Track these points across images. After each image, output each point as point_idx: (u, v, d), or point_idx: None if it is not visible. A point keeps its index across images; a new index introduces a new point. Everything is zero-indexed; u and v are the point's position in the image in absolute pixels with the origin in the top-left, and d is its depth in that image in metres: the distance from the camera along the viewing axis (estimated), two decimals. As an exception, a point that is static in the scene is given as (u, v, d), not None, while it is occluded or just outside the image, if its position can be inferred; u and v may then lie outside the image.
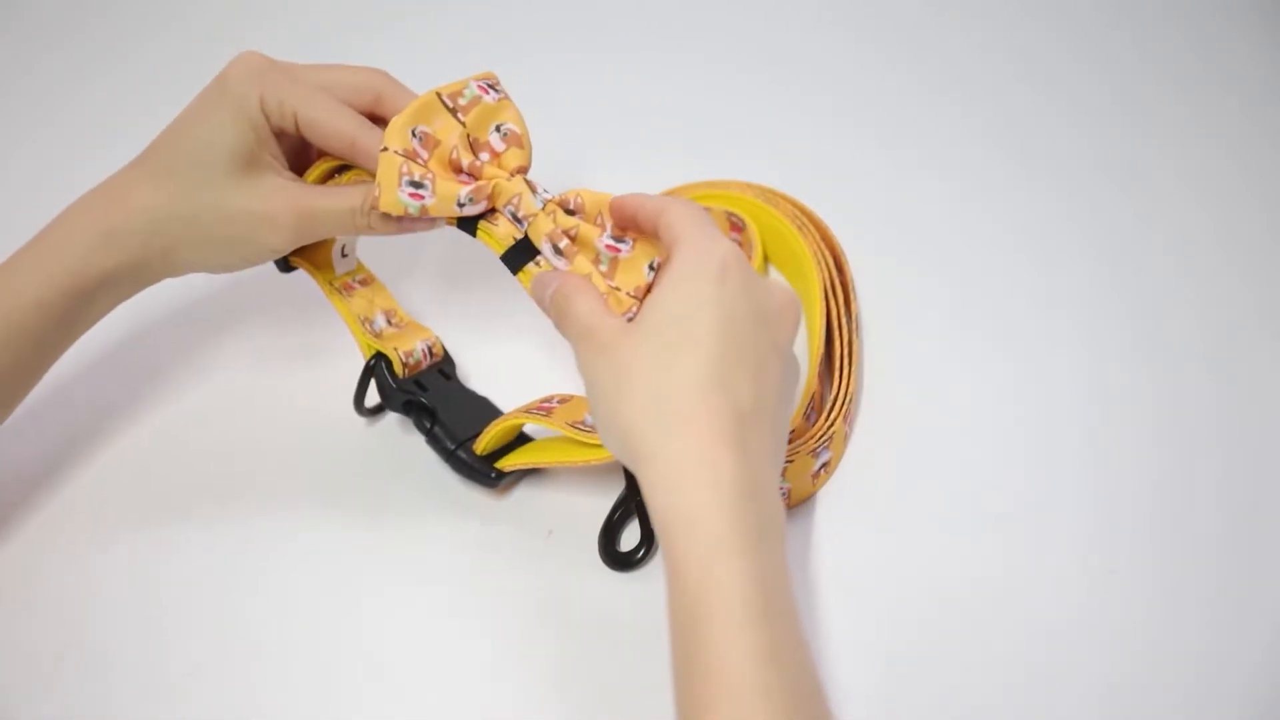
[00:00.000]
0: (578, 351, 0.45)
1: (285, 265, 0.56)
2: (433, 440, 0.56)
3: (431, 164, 0.49)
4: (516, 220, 0.49)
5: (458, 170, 0.49)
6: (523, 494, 0.56)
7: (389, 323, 0.58)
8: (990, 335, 0.61)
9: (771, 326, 0.44)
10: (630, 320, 0.45)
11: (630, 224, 0.47)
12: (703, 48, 0.80)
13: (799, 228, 0.62)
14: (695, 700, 0.38)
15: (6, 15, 0.85)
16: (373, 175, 0.49)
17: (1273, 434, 0.56)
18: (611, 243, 0.47)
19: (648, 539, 0.52)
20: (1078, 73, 0.76)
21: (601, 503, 0.53)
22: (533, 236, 0.48)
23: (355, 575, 0.53)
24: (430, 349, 0.58)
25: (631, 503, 0.53)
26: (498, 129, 0.50)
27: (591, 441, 0.51)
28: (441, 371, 0.58)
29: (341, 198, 0.51)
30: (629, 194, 0.47)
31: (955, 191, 0.69)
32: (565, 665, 0.50)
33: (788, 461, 0.51)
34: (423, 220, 0.50)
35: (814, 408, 0.55)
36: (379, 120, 0.51)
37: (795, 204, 0.65)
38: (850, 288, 0.61)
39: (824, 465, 0.54)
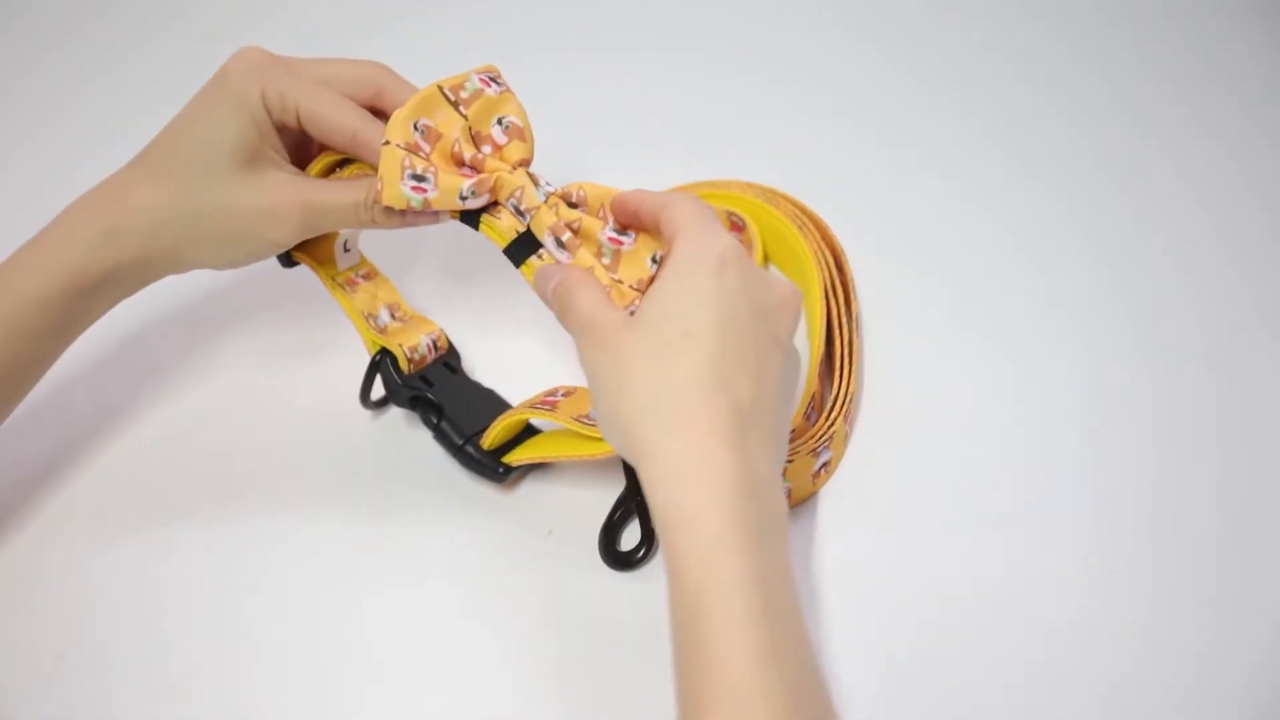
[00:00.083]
0: (579, 346, 0.45)
1: (288, 260, 0.56)
2: (440, 436, 0.56)
3: (433, 157, 0.49)
4: (519, 213, 0.49)
5: (460, 163, 0.49)
6: (523, 493, 0.56)
7: (393, 317, 0.58)
8: (990, 335, 0.61)
9: (772, 321, 0.44)
10: (632, 314, 0.45)
11: (633, 220, 0.47)
12: (703, 48, 0.80)
13: (799, 227, 0.62)
14: (695, 699, 0.38)
15: (6, 15, 0.85)
16: (375, 169, 0.49)
17: (1273, 434, 0.56)
18: (614, 235, 0.47)
19: (648, 539, 0.52)
20: (1078, 73, 0.76)
21: (602, 502, 0.53)
22: (535, 229, 0.48)
23: (355, 575, 0.53)
24: (435, 342, 0.58)
25: (632, 502, 0.53)
26: (499, 122, 0.50)
27: (597, 435, 0.51)
28: (447, 365, 0.58)
29: (345, 191, 0.51)
30: (631, 190, 0.47)
31: (955, 191, 0.69)
32: (565, 665, 0.49)
33: (788, 461, 0.51)
34: (425, 214, 0.50)
35: (814, 407, 0.55)
36: (380, 114, 0.51)
37: (795, 204, 0.65)
38: (850, 287, 0.61)
39: (824, 465, 0.54)
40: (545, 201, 0.48)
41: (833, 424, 0.54)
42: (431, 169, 0.48)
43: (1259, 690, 0.48)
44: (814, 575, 0.52)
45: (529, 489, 0.56)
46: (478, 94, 0.49)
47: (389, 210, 0.50)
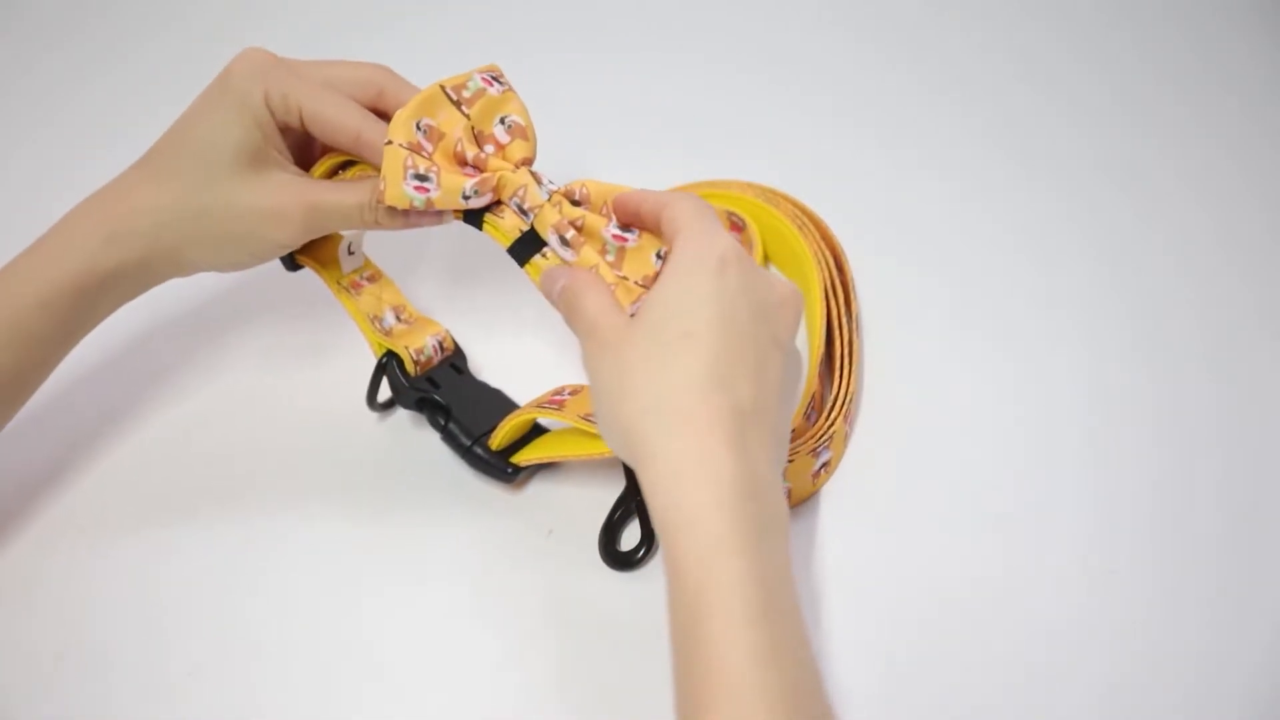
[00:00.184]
0: (583, 348, 0.45)
1: (292, 264, 0.56)
2: (448, 437, 0.56)
3: (436, 156, 0.49)
4: (522, 212, 0.49)
5: (462, 163, 0.49)
6: (523, 493, 0.56)
7: (398, 319, 0.58)
8: (990, 335, 0.61)
9: (772, 321, 0.44)
10: (633, 315, 0.45)
11: (634, 220, 0.47)
12: (703, 48, 0.80)
13: (799, 227, 0.62)
14: (695, 699, 0.38)
15: (6, 15, 0.85)
16: (378, 170, 0.49)
17: (1273, 434, 0.56)
18: (618, 233, 0.47)
19: (648, 539, 0.52)
20: (1078, 73, 0.76)
21: (602, 501, 0.53)
22: (539, 228, 0.48)
23: (355, 575, 0.53)
24: (441, 344, 0.58)
25: (632, 502, 0.53)
26: (502, 121, 0.50)
27: None
28: (453, 366, 0.58)
29: (349, 192, 0.51)
30: (631, 190, 0.48)
31: (955, 191, 0.69)
32: (565, 665, 0.49)
33: (788, 461, 0.51)
34: (429, 214, 0.50)
35: (814, 407, 0.55)
36: (382, 115, 0.51)
37: (795, 204, 0.65)
38: (850, 287, 0.61)
39: (824, 465, 0.54)
40: (549, 200, 0.48)
41: (833, 424, 0.54)
42: (434, 168, 0.48)
43: (1259, 690, 0.48)
44: (814, 575, 0.52)
45: (529, 489, 0.56)
46: (480, 93, 0.49)
47: (392, 210, 0.50)
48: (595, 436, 0.51)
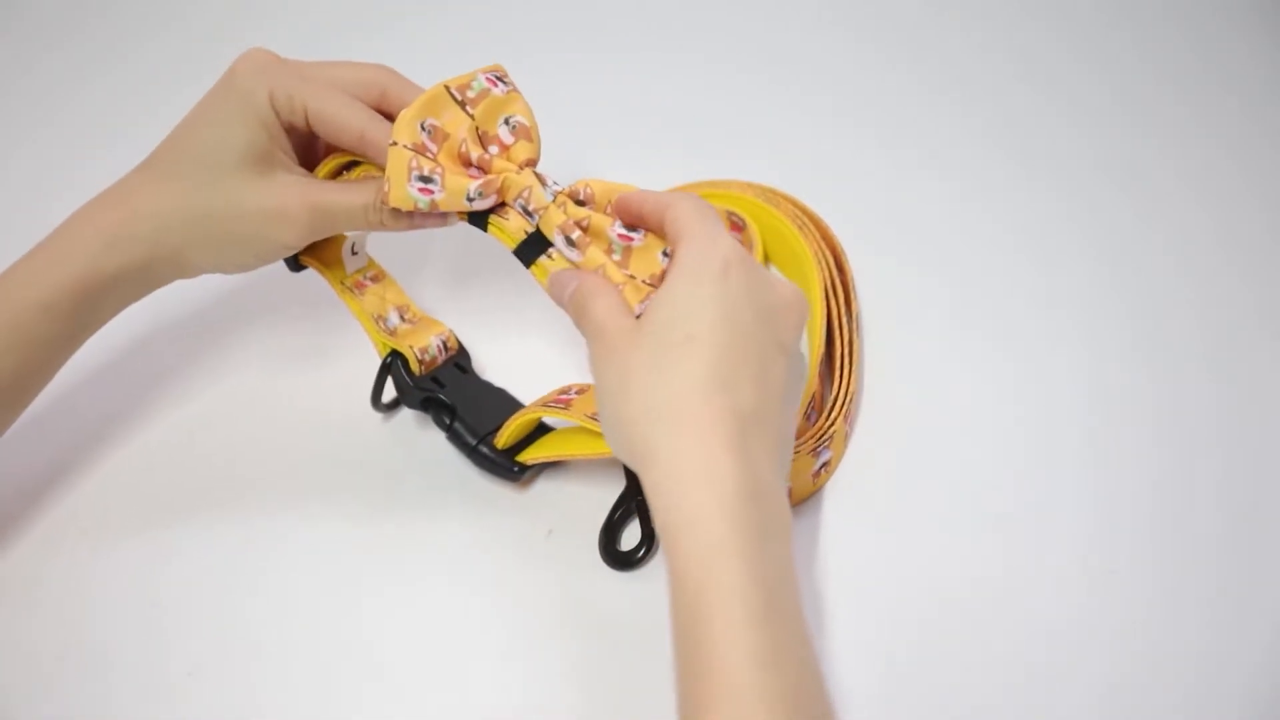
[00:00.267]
0: (590, 351, 0.45)
1: (295, 264, 0.56)
2: (453, 437, 0.56)
3: (441, 157, 0.49)
4: (527, 214, 0.49)
5: (467, 164, 0.49)
6: (523, 493, 0.56)
7: (402, 319, 0.58)
8: (990, 335, 0.61)
9: (775, 325, 0.44)
10: (639, 319, 0.45)
11: (637, 221, 0.47)
12: (703, 48, 0.80)
13: (799, 227, 0.62)
14: (695, 701, 0.38)
15: (6, 15, 0.85)
16: (382, 170, 0.49)
17: (1273, 434, 0.56)
18: (624, 232, 0.47)
19: (648, 538, 0.52)
20: (1078, 73, 0.76)
21: (606, 500, 0.53)
22: (544, 229, 0.48)
23: (355, 575, 0.53)
24: (445, 343, 0.58)
25: (632, 502, 0.53)
26: (506, 121, 0.50)
27: None
28: (458, 365, 0.58)
29: (354, 193, 0.51)
30: (633, 191, 0.47)
31: (955, 191, 0.69)
32: (566, 665, 0.50)
33: (788, 461, 0.51)
34: (434, 216, 0.50)
35: (814, 407, 0.55)
36: (385, 116, 0.51)
37: (796, 204, 0.65)
38: (850, 287, 0.61)
39: (824, 465, 0.54)
40: (553, 200, 0.48)
41: (833, 424, 0.54)
42: (438, 170, 0.48)
43: (1259, 690, 0.48)
44: (814, 575, 0.52)
45: (529, 489, 0.56)
46: (484, 94, 0.49)
47: (396, 212, 0.50)
48: (601, 436, 0.51)
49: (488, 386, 0.58)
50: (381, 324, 0.57)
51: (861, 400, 0.58)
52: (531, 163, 0.49)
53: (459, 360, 0.58)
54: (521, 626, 0.51)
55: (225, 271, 0.53)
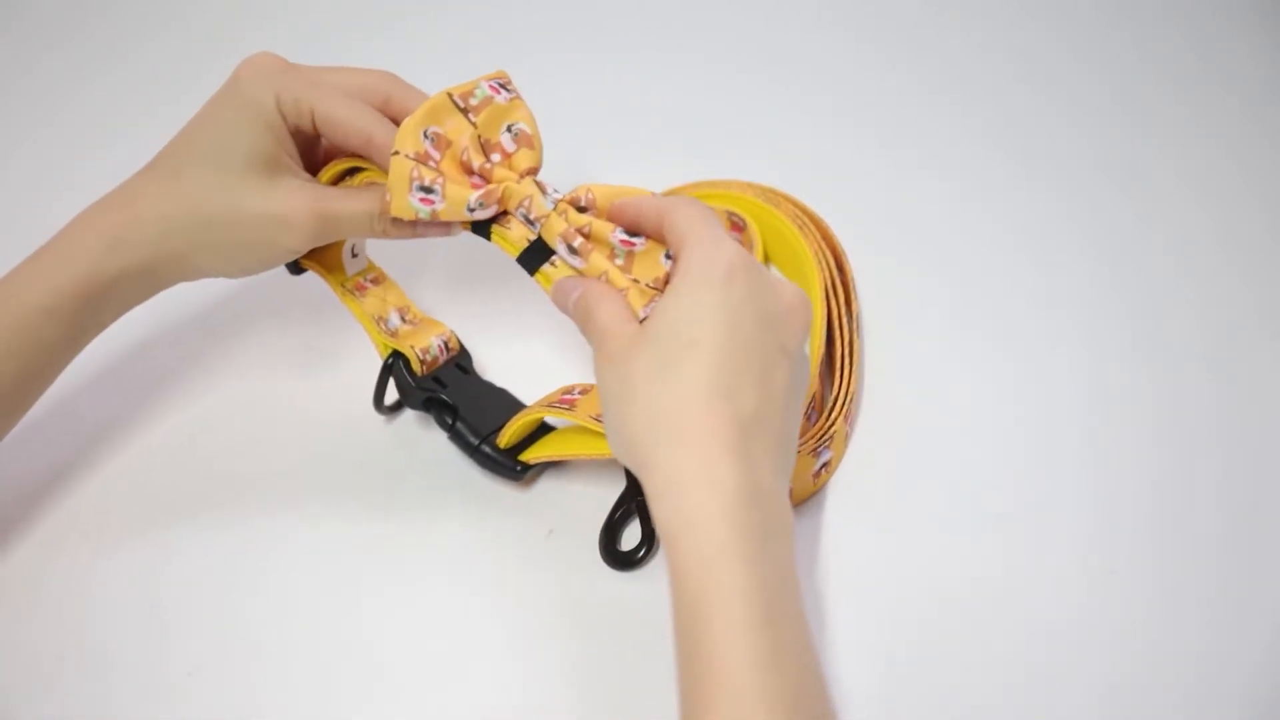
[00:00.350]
0: (595, 357, 0.45)
1: (296, 268, 0.56)
2: (456, 437, 0.56)
3: (444, 165, 0.49)
4: (529, 222, 0.49)
5: (469, 172, 0.49)
6: (523, 493, 0.56)
7: (403, 320, 0.58)
8: (990, 335, 0.61)
9: (779, 329, 0.44)
10: (643, 323, 0.45)
11: (634, 228, 0.47)
12: (703, 48, 0.80)
13: (800, 227, 0.62)
14: (697, 702, 0.38)
15: (6, 15, 0.85)
16: (387, 173, 0.49)
17: (1273, 434, 0.56)
18: (625, 237, 0.47)
19: (648, 538, 0.52)
20: (1078, 73, 0.76)
21: (603, 501, 0.53)
22: (546, 237, 0.48)
23: (355, 575, 0.53)
24: (446, 344, 0.58)
25: (632, 502, 0.53)
26: (509, 129, 0.50)
27: None
28: (459, 366, 0.58)
29: (360, 201, 0.51)
30: (628, 199, 0.47)
31: (955, 191, 0.69)
32: (566, 665, 0.50)
33: (788, 462, 0.51)
34: (436, 225, 0.50)
35: (815, 407, 0.55)
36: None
37: (796, 204, 0.65)
38: (851, 287, 0.61)
39: (825, 465, 0.54)
40: (554, 209, 0.48)
41: (833, 424, 0.54)
42: (439, 180, 0.48)
43: (1259, 690, 0.48)
44: (814, 575, 0.52)
45: (529, 489, 0.56)
46: (487, 101, 0.49)
47: (399, 221, 0.50)
48: (604, 436, 0.51)
49: (489, 386, 0.58)
50: (382, 325, 0.57)
51: (861, 400, 0.58)
52: (533, 171, 0.49)
53: (460, 360, 0.58)
54: (521, 626, 0.51)
55: (228, 275, 0.53)
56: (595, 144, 0.71)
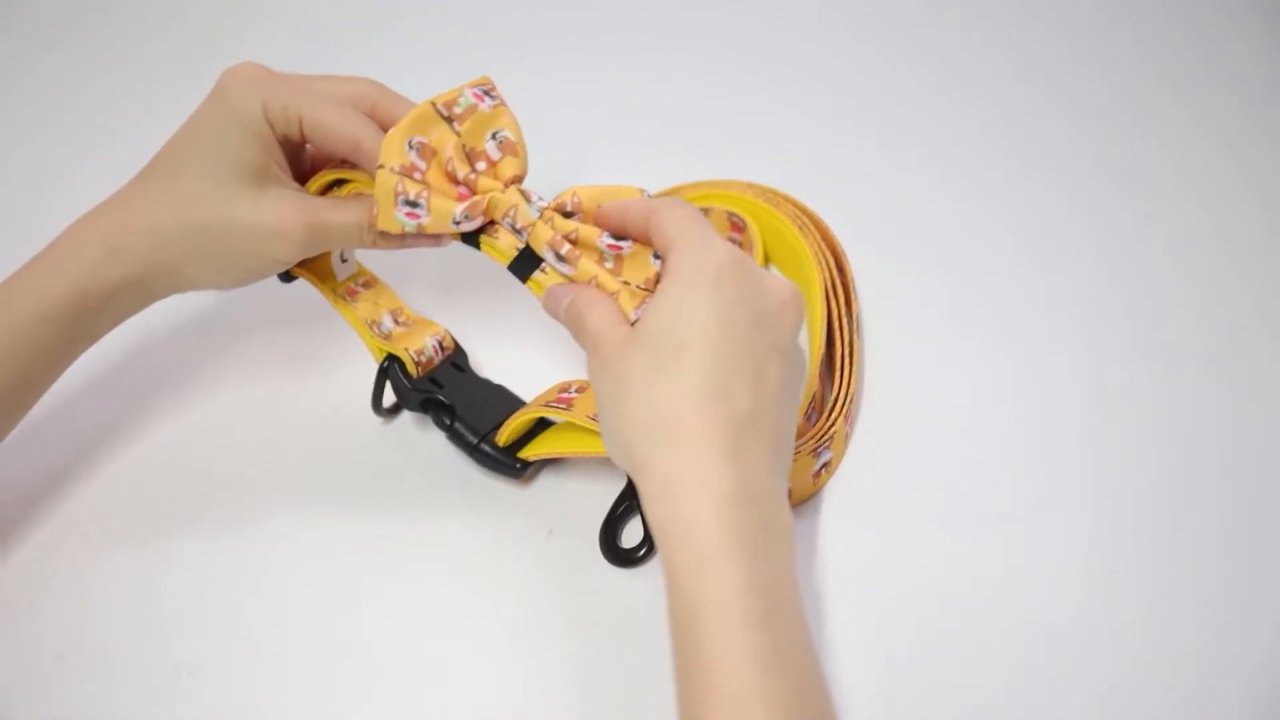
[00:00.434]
0: (588, 362, 0.45)
1: (287, 276, 0.56)
2: (454, 436, 0.56)
3: (430, 175, 0.48)
4: (516, 231, 0.48)
5: (454, 182, 0.49)
6: (523, 492, 0.56)
7: (396, 322, 0.58)
8: (990, 335, 0.61)
9: (771, 327, 0.44)
10: (634, 326, 0.45)
11: (621, 232, 0.47)
12: (703, 48, 0.80)
13: (800, 227, 0.62)
14: (695, 702, 0.38)
15: (6, 15, 0.85)
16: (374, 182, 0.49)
17: (1273, 434, 0.56)
18: (613, 241, 0.47)
19: (650, 537, 0.52)
20: (1078, 73, 0.76)
21: (603, 500, 0.53)
22: (534, 245, 0.48)
23: (355, 575, 0.53)
24: (440, 343, 0.58)
25: (632, 499, 0.53)
26: (494, 136, 0.49)
27: None
28: (455, 365, 0.58)
29: (349, 212, 0.51)
30: (612, 204, 0.47)
31: (955, 191, 0.69)
32: (566, 665, 0.50)
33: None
34: (425, 237, 0.50)
35: (815, 408, 0.55)
36: None
37: (796, 204, 0.65)
38: (851, 287, 0.61)
39: (825, 465, 0.54)
40: (540, 217, 0.48)
41: (833, 424, 0.54)
42: (424, 193, 0.48)
43: (1259, 690, 0.48)
44: (814, 575, 0.52)
45: (528, 489, 0.56)
46: (471, 109, 0.49)
47: (387, 233, 0.50)
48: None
49: (486, 384, 0.58)
50: (375, 329, 0.57)
51: (861, 400, 0.58)
52: (518, 178, 0.49)
53: (456, 359, 0.58)
54: (521, 626, 0.51)
55: (220, 288, 0.53)
56: (595, 144, 0.71)
